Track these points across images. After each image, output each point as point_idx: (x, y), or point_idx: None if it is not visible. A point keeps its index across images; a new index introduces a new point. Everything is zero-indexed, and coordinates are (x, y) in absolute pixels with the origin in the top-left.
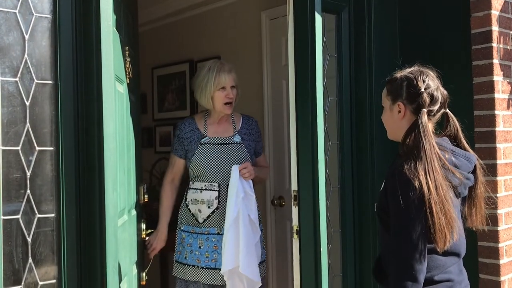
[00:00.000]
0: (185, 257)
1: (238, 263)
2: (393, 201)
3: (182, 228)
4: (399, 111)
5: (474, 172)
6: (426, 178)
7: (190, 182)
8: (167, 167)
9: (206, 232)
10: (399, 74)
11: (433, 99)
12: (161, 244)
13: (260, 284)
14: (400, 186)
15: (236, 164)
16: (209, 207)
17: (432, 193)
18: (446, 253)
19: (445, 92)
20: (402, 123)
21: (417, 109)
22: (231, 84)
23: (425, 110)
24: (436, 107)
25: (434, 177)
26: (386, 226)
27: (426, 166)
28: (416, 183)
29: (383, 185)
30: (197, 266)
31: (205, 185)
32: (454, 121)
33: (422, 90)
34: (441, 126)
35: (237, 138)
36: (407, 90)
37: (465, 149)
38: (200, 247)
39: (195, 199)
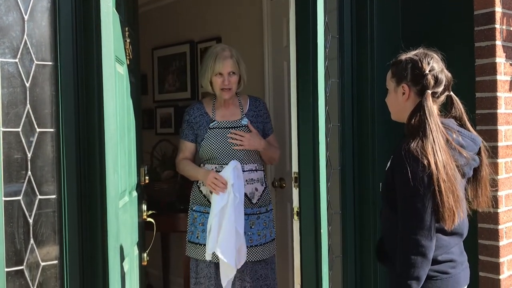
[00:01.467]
0: (197, 237)
1: (217, 247)
2: (401, 180)
3: (194, 209)
4: (404, 93)
5: (479, 153)
6: (434, 156)
7: (201, 165)
8: (176, 154)
9: None
10: (403, 56)
11: (437, 81)
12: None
13: (235, 273)
14: (409, 165)
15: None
16: None
17: (440, 171)
18: (450, 233)
19: (449, 74)
20: (407, 105)
21: (421, 91)
22: (228, 71)
23: (429, 91)
24: (440, 89)
25: (442, 156)
26: (392, 205)
27: (433, 144)
28: (425, 162)
29: (389, 164)
30: None
31: (216, 167)
32: (458, 103)
33: (427, 72)
34: (445, 109)
35: (245, 121)
36: (412, 72)
37: (469, 131)
38: None
39: None
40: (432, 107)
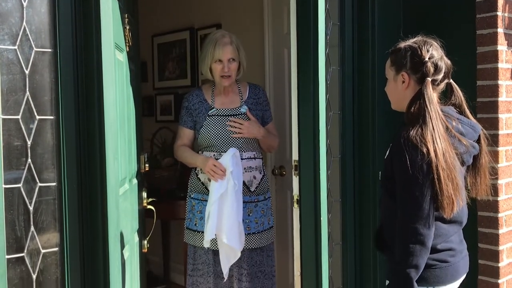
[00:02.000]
0: (195, 224)
1: (218, 234)
2: (400, 168)
3: (192, 196)
4: (403, 81)
5: (478, 141)
6: (433, 144)
7: (199, 152)
8: (175, 140)
9: None
10: (402, 44)
11: (437, 68)
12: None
13: (239, 255)
14: (408, 153)
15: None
16: None
17: (439, 159)
18: (449, 221)
19: (449, 62)
20: (406, 93)
21: (421, 78)
22: (228, 57)
23: (429, 79)
24: (440, 77)
25: (441, 144)
26: (391, 194)
27: (433, 132)
28: (424, 149)
29: (388, 152)
30: None
31: (214, 155)
32: (458, 91)
33: (426, 59)
34: (445, 97)
35: (244, 109)
36: (411, 59)
37: (469, 119)
38: None
39: None
40: (432, 94)
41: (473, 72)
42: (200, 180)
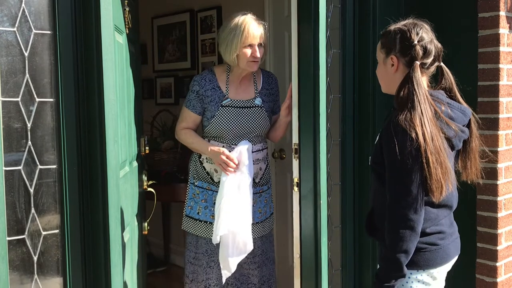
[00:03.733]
0: (198, 212)
1: (232, 229)
2: (389, 152)
3: (196, 184)
4: (392, 65)
5: (469, 125)
6: (422, 128)
7: (206, 139)
8: (178, 121)
9: None
10: (392, 27)
11: (426, 51)
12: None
13: (252, 248)
14: (396, 137)
15: (256, 128)
16: None
17: (428, 143)
18: (439, 206)
19: (439, 45)
20: (396, 77)
21: (410, 62)
22: (259, 42)
23: (418, 62)
24: (429, 60)
25: (430, 128)
26: (381, 179)
27: (421, 116)
28: (413, 134)
29: (378, 137)
30: (210, 223)
31: (223, 146)
32: (448, 74)
33: (415, 42)
34: (436, 80)
35: (258, 101)
36: (400, 42)
37: (459, 103)
38: (215, 203)
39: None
40: (420, 78)
41: (475, 56)
42: (205, 169)
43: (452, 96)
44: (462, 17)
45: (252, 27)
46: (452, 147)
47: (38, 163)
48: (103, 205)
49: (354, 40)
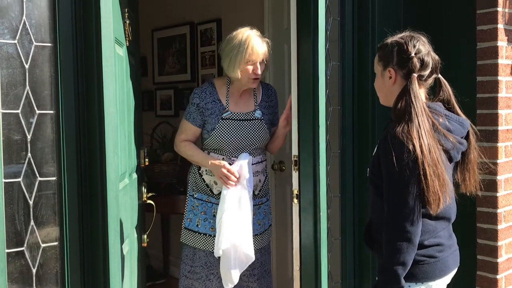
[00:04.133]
0: (197, 225)
1: (234, 242)
2: (387, 164)
3: (195, 196)
4: (390, 77)
5: (467, 137)
6: (419, 140)
7: (205, 152)
8: (177, 133)
9: None
10: (390, 39)
11: (423, 64)
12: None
13: (254, 259)
14: (394, 149)
15: (256, 140)
16: None
17: (425, 155)
18: (437, 218)
19: (437, 57)
20: (394, 89)
21: (407, 74)
22: (261, 59)
23: (415, 75)
24: (427, 72)
25: (427, 140)
26: (378, 191)
27: (419, 129)
28: (410, 146)
29: (375, 149)
30: (209, 235)
31: (223, 158)
32: (446, 86)
33: (412, 55)
34: (434, 92)
35: (258, 114)
36: (398, 55)
37: (458, 114)
38: (214, 215)
39: (211, 170)
40: (418, 90)
41: (473, 68)
42: (205, 181)
43: (450, 108)
44: (461, 29)
45: (256, 45)
46: (450, 159)
47: (37, 175)
48: (103, 217)
49: (353, 52)
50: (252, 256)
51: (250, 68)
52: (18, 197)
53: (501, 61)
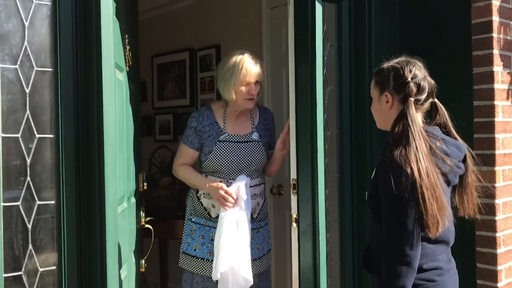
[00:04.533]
0: (195, 249)
1: (232, 265)
2: (385, 188)
3: (193, 220)
4: (387, 101)
5: (464, 160)
6: (417, 164)
7: (203, 174)
8: (175, 157)
9: None
10: (386, 64)
11: (420, 88)
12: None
13: (252, 283)
14: (392, 173)
15: (253, 162)
16: None
17: (423, 179)
18: (436, 241)
19: (432, 81)
20: (391, 113)
21: (404, 98)
22: (255, 80)
23: (412, 99)
24: (423, 96)
25: (425, 164)
26: (377, 214)
27: (416, 152)
28: (408, 170)
29: (373, 173)
30: (207, 260)
31: (221, 181)
32: (442, 110)
33: (409, 79)
34: (430, 116)
35: (255, 136)
36: (394, 80)
37: (455, 138)
38: (212, 239)
39: (209, 193)
40: (415, 114)
41: (470, 93)
42: (202, 204)
43: (447, 132)
44: (457, 54)
45: (249, 66)
46: (448, 182)
47: (36, 199)
48: (101, 241)
49: (351, 77)
50: (250, 280)
51: (245, 89)
52: (16, 221)
53: (497, 86)
